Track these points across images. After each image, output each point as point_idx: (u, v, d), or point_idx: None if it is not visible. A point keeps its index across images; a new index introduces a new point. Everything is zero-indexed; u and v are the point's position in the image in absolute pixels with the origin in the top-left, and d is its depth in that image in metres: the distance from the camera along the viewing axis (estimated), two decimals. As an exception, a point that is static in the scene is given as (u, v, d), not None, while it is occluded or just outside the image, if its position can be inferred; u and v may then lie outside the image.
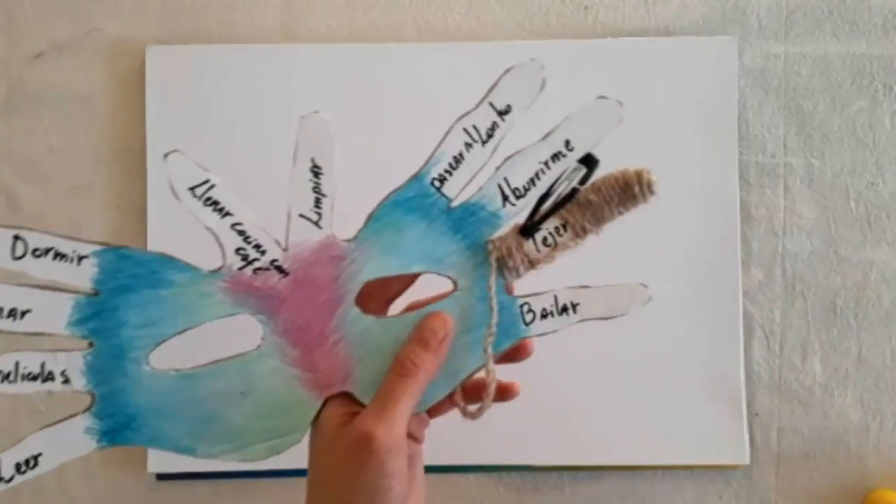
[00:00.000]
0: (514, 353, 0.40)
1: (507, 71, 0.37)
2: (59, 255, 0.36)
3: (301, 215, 0.37)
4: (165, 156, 0.36)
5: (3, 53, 0.60)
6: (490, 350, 0.37)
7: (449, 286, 0.39)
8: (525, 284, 0.39)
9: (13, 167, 0.60)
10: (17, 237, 0.35)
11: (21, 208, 0.60)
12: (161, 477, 0.59)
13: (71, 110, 0.60)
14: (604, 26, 0.61)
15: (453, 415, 0.42)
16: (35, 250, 0.35)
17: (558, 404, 0.57)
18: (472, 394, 0.39)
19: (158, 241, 0.58)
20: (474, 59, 0.59)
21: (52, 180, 0.60)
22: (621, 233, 0.57)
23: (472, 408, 0.38)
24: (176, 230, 0.60)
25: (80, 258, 0.36)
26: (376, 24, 0.60)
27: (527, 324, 0.38)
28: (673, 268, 0.59)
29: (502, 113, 0.37)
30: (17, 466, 0.36)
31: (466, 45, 0.60)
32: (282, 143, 0.61)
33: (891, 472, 0.60)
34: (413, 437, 0.41)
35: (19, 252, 0.35)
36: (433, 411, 0.40)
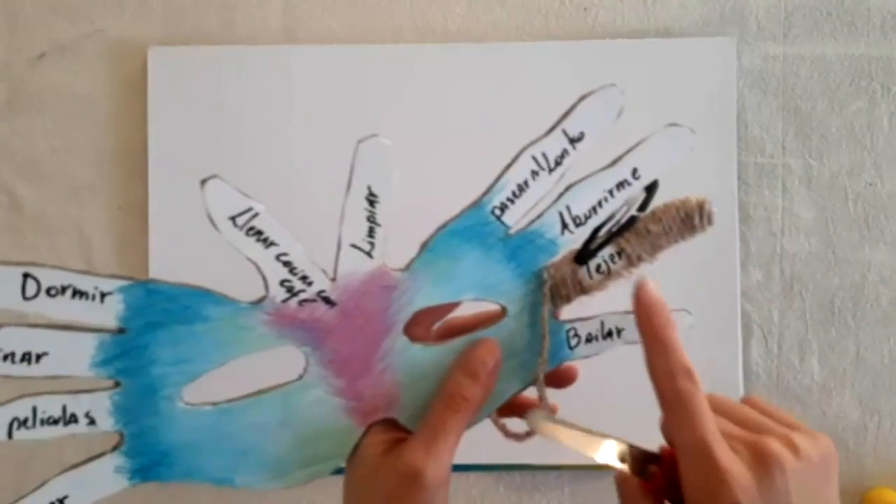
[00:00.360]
0: (560, 380, 0.39)
1: (585, 97, 0.35)
2: (79, 293, 0.32)
3: (353, 245, 0.35)
4: (203, 182, 0.33)
5: (5, 54, 0.61)
6: (542, 377, 0.37)
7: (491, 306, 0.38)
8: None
9: (15, 168, 0.60)
10: (27, 275, 0.32)
11: (23, 209, 0.60)
12: (163, 476, 0.59)
13: (73, 111, 0.60)
14: (603, 28, 0.61)
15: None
16: (50, 289, 0.32)
17: (558, 405, 0.57)
18: (507, 410, 0.38)
19: (159, 241, 0.58)
20: (474, 60, 0.59)
21: (54, 181, 0.60)
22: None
23: (520, 431, 0.37)
24: (176, 231, 0.61)
25: (104, 295, 0.33)
26: (377, 25, 0.61)
27: (571, 348, 0.37)
28: (671, 267, 0.59)
29: (574, 140, 0.35)
30: None
31: (466, 46, 0.60)
32: (282, 143, 0.61)
33: (889, 471, 0.60)
34: None
35: (31, 292, 0.32)
36: None
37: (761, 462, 0.31)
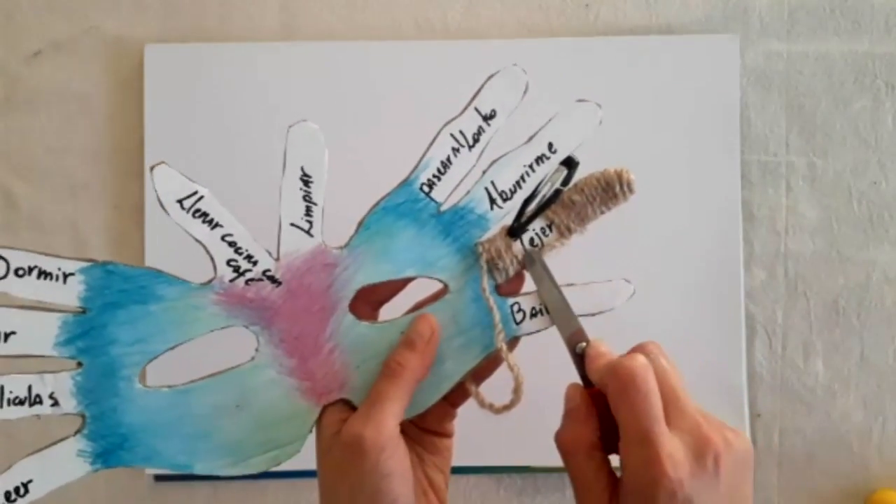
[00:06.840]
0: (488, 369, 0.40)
1: (491, 77, 0.38)
2: (44, 274, 0.35)
3: (292, 224, 0.37)
4: (152, 168, 0.36)
5: (0, 52, 0.60)
6: (505, 347, 0.38)
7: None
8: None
9: (11, 166, 0.60)
10: None
11: (19, 208, 0.60)
12: (159, 478, 0.59)
13: (69, 109, 0.60)
14: (605, 24, 0.60)
15: (458, 417, 0.42)
16: (18, 270, 0.34)
17: (559, 405, 0.57)
18: (481, 377, 0.39)
19: (156, 240, 0.58)
20: (474, 57, 0.58)
21: (50, 180, 0.60)
22: (624, 232, 0.57)
23: (499, 405, 0.38)
24: (174, 230, 0.60)
25: (66, 276, 0.35)
26: (376, 21, 0.60)
27: (517, 323, 0.39)
28: (675, 267, 0.58)
29: (487, 118, 0.37)
30: (7, 495, 0.35)
31: (466, 43, 0.59)
32: (281, 142, 0.61)
33: (893, 473, 0.60)
34: (439, 433, 0.41)
35: (0, 272, 0.34)
36: (456, 400, 0.40)
37: (701, 450, 0.32)
